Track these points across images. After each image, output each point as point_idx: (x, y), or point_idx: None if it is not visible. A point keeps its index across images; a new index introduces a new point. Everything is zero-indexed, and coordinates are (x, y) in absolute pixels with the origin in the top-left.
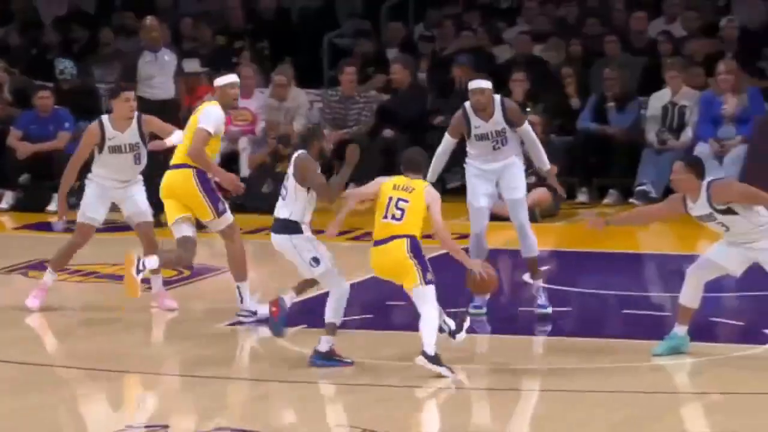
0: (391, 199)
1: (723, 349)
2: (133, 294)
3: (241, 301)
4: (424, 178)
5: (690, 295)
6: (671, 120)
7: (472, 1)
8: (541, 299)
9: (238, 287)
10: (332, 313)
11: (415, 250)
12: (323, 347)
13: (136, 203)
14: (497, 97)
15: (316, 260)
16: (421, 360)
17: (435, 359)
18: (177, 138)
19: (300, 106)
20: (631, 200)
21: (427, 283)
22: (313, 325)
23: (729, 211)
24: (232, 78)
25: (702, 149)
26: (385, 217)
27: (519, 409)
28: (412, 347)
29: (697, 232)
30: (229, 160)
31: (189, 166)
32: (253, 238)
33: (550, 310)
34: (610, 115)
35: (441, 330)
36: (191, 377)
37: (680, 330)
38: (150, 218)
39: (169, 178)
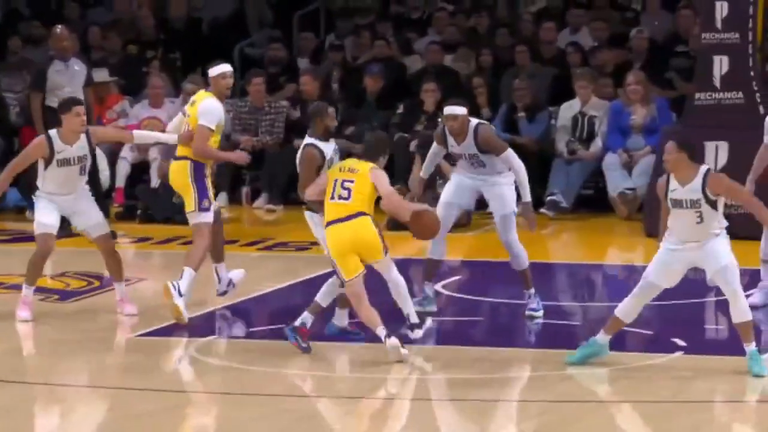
0: (336, 180)
1: (633, 357)
2: (182, 320)
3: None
4: (378, 161)
5: (628, 311)
6: (581, 130)
7: (384, 11)
8: (534, 304)
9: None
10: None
11: (376, 227)
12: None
13: (90, 217)
14: (474, 122)
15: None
16: (416, 333)
17: (420, 324)
18: (173, 137)
19: None
20: (542, 210)
21: (386, 252)
22: (225, 336)
23: (713, 204)
24: (224, 68)
25: (611, 159)
26: (332, 198)
27: (427, 419)
28: (327, 355)
29: (609, 241)
30: (140, 170)
31: (187, 159)
32: (163, 249)
33: (541, 314)
34: (521, 125)
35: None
36: (99, 388)
37: (603, 338)
38: (107, 230)
39: (171, 168)
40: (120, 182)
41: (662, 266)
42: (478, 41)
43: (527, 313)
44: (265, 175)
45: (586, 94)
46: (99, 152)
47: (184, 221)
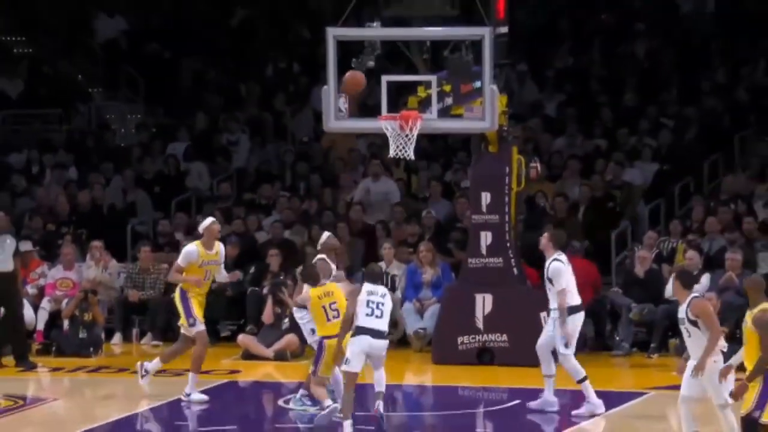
0: (324, 306)
1: None
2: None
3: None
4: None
5: (686, 425)
6: (385, 284)
7: (239, 198)
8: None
9: (190, 373)
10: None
11: None
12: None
13: None
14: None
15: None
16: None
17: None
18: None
19: (112, 274)
20: None
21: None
22: None
23: (694, 324)
24: (210, 220)
25: (407, 307)
26: (329, 319)
27: None
28: None
29: (405, 367)
30: (56, 317)
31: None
32: (72, 376)
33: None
34: None
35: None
36: None
37: None
38: None
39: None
40: (40, 326)
41: (684, 384)
42: (309, 220)
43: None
44: (149, 319)
45: (389, 257)
46: (25, 303)
47: (88, 354)
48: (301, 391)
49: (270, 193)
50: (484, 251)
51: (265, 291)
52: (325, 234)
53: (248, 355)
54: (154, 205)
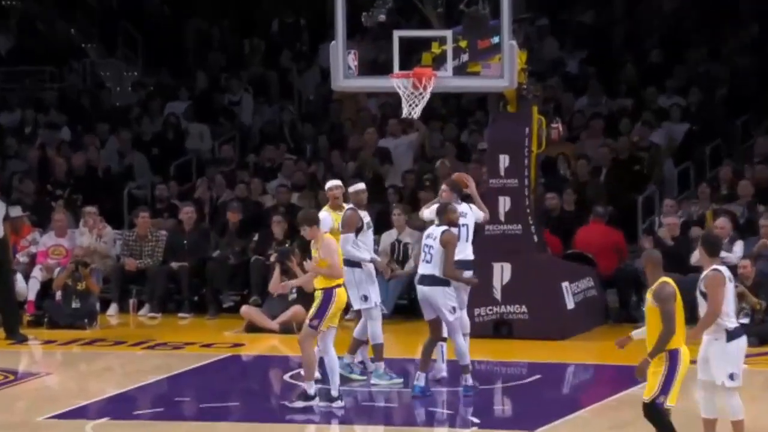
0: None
1: None
2: None
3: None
4: None
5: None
6: (398, 254)
7: (242, 160)
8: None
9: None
10: (460, 359)
11: None
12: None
13: None
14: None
15: (454, 309)
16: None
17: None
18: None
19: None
20: None
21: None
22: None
23: (705, 297)
24: (359, 186)
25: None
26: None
27: None
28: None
29: (422, 339)
30: (48, 287)
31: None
32: (65, 349)
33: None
34: None
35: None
36: None
37: None
38: None
39: None
40: (31, 296)
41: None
42: (317, 183)
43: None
44: (147, 289)
45: (401, 224)
46: (17, 272)
47: (82, 326)
48: (351, 357)
49: (275, 155)
50: (502, 217)
51: (271, 259)
52: (358, 185)
53: (252, 328)
54: (152, 168)
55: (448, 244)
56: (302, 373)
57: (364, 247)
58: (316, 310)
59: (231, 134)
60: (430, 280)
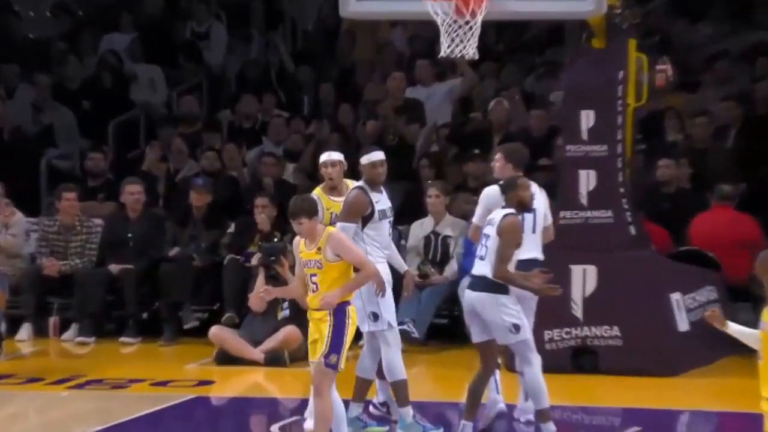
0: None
1: None
2: None
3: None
4: None
5: None
6: (434, 251)
7: (211, 118)
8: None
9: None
10: (534, 400)
11: None
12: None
13: None
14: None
15: (516, 327)
16: None
17: None
18: None
19: (17, 234)
20: None
21: None
22: None
23: None
24: (374, 155)
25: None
26: None
27: None
28: None
29: (467, 376)
30: None
31: None
32: None
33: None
34: None
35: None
36: None
37: None
38: None
39: None
40: None
41: None
42: (318, 151)
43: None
44: (75, 303)
45: (439, 210)
46: None
47: None
48: (359, 405)
49: (257, 110)
50: (584, 200)
51: (253, 261)
52: (373, 154)
53: (226, 358)
54: (81, 129)
55: (505, 232)
56: (308, 427)
57: (373, 243)
58: (329, 340)
59: (195, 81)
60: (482, 284)
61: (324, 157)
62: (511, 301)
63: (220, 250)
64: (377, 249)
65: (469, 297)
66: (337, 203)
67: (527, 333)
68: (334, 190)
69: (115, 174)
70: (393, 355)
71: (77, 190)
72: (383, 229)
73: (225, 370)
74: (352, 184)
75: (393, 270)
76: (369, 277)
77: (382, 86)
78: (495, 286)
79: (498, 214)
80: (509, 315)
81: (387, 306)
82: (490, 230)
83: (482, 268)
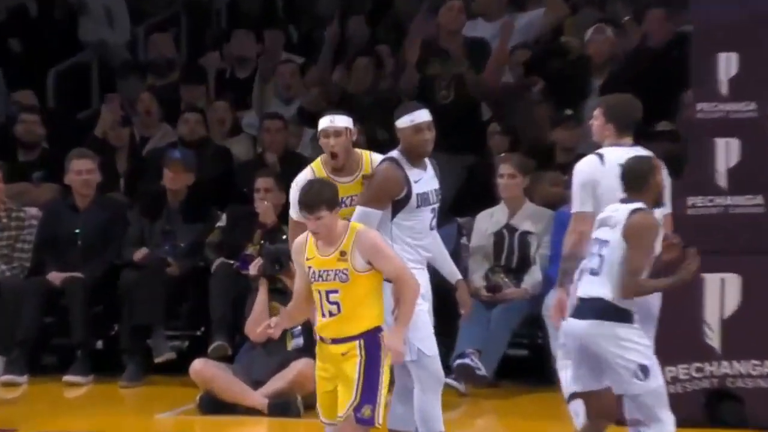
0: None
1: None
2: None
3: None
4: None
5: None
6: (508, 254)
7: (191, 63)
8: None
9: None
10: None
11: None
12: None
13: None
14: None
15: (644, 370)
16: None
17: None
18: None
19: None
20: (448, 381)
21: None
22: None
23: None
24: (418, 115)
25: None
26: None
27: None
28: None
29: (551, 428)
30: None
31: None
32: None
33: None
34: None
35: None
36: None
37: None
38: None
39: None
40: None
41: None
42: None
43: None
44: (1, 326)
45: (515, 195)
46: None
47: None
48: None
49: (256, 53)
50: (722, 181)
51: (251, 269)
52: (417, 113)
53: (213, 404)
54: (9, 80)
55: (636, 236)
56: None
57: (405, 240)
58: (360, 384)
59: (169, 12)
60: (595, 310)
61: (324, 122)
62: (636, 333)
63: (205, 252)
64: (411, 249)
65: (575, 328)
66: (344, 185)
67: (659, 378)
68: (340, 167)
69: (56, 144)
70: (429, 398)
71: (3, 166)
72: (423, 219)
73: (212, 422)
74: (369, 156)
75: (441, 279)
76: (416, 295)
77: (433, 20)
78: (614, 312)
79: (620, 211)
80: (635, 352)
81: (419, 326)
82: (609, 233)
83: (596, 287)
